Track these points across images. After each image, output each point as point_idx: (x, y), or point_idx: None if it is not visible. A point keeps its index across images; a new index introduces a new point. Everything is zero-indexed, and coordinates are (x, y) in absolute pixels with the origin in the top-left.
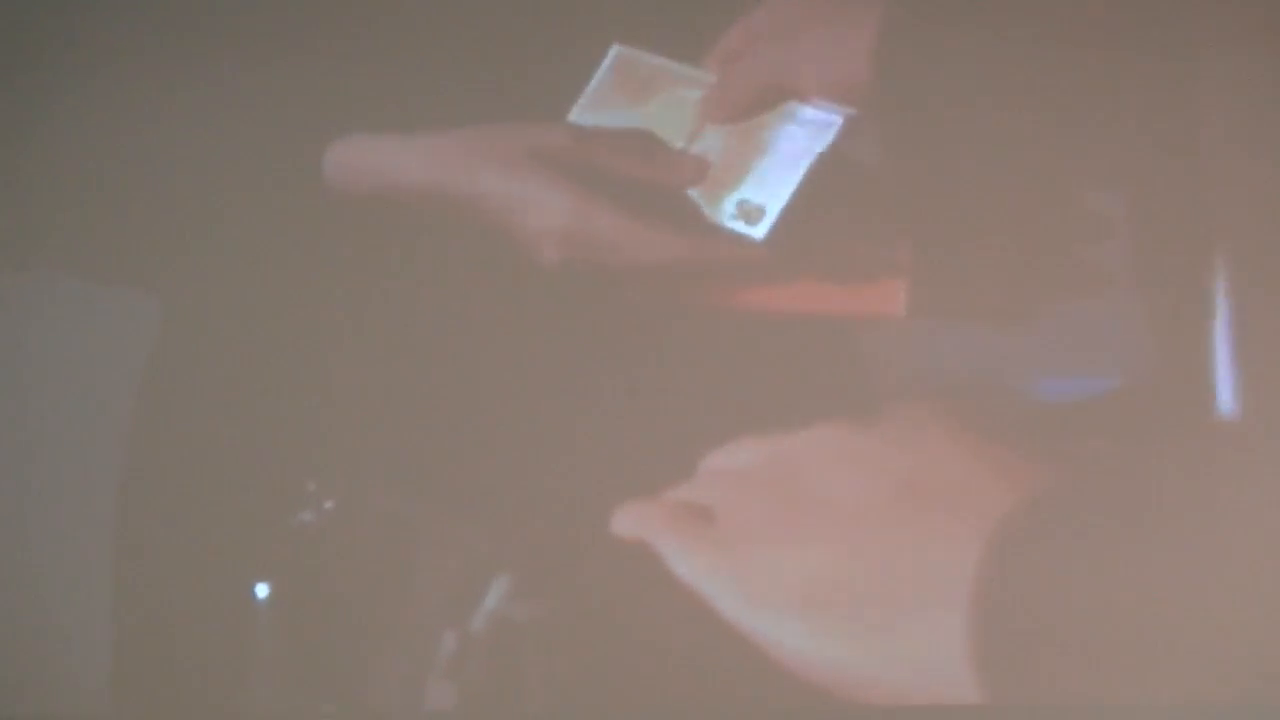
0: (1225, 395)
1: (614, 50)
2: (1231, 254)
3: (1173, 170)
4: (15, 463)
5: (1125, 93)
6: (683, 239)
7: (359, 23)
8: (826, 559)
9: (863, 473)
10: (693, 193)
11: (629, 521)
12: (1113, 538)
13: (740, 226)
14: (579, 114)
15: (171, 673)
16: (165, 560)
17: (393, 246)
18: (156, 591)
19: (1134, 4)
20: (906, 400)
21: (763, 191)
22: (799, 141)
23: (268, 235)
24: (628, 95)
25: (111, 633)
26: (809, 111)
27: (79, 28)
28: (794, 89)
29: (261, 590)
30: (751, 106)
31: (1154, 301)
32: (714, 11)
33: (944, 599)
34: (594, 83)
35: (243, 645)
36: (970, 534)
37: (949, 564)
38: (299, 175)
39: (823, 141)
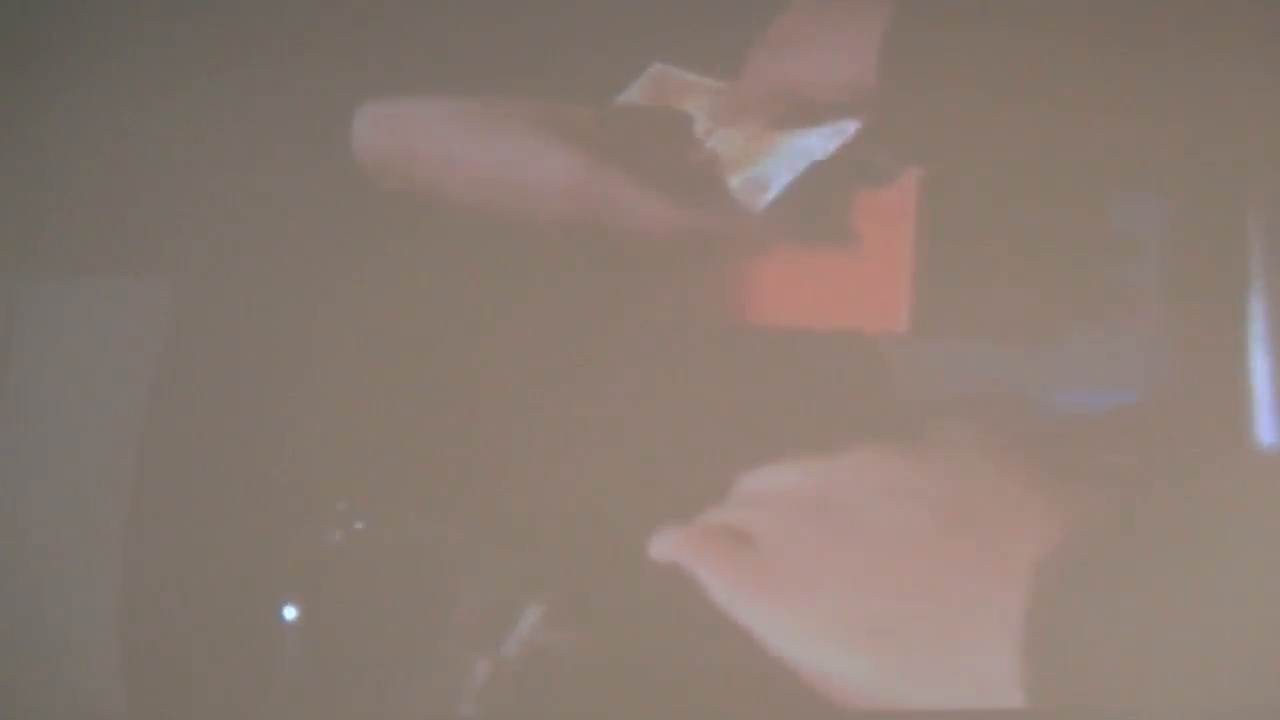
0: (1266, 423)
1: (653, 67)
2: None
3: (1205, 179)
4: (24, 472)
5: (1153, 99)
6: (686, 211)
7: (366, 12)
8: (868, 586)
9: (904, 498)
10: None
11: (666, 546)
12: (1159, 566)
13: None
14: None
15: (197, 694)
16: (191, 581)
17: (426, 247)
18: (182, 613)
19: (1163, 7)
20: (944, 422)
21: (766, 174)
22: (808, 142)
23: (281, 238)
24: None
25: (133, 652)
26: (821, 119)
27: (88, 10)
28: (802, 92)
29: (289, 611)
30: (758, 108)
31: (1189, 322)
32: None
33: (991, 626)
34: (627, 92)
35: (269, 667)
36: (1015, 562)
37: (995, 591)
38: (324, 162)
39: (832, 145)
